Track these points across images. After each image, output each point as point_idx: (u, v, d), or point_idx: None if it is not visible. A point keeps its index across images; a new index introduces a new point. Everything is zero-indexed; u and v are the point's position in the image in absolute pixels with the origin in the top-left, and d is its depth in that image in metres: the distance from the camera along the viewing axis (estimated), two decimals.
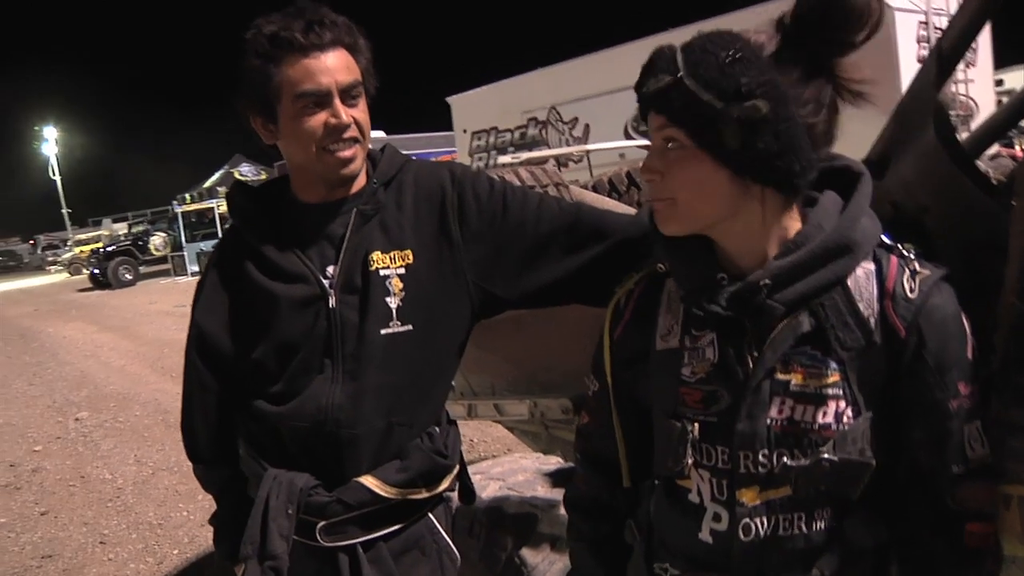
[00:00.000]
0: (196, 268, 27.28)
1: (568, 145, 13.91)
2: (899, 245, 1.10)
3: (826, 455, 1.04)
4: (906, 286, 1.05)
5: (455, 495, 1.73)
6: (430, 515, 1.63)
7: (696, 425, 1.12)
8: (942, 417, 1.05)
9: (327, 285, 1.50)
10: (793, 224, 1.09)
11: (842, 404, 1.06)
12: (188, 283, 25.16)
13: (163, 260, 28.72)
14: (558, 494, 2.11)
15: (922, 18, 9.40)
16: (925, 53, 9.02)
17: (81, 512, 5.56)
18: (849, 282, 1.07)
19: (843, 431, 1.05)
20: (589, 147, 11.76)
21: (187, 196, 30.43)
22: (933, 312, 1.04)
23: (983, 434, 1.05)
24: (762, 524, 1.09)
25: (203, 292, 1.64)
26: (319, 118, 1.44)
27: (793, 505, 1.09)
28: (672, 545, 1.22)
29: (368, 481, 1.51)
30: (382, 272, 1.50)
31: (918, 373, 1.05)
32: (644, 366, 1.23)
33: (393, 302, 1.50)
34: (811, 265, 1.05)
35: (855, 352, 1.06)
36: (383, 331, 1.49)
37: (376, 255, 1.50)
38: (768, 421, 1.08)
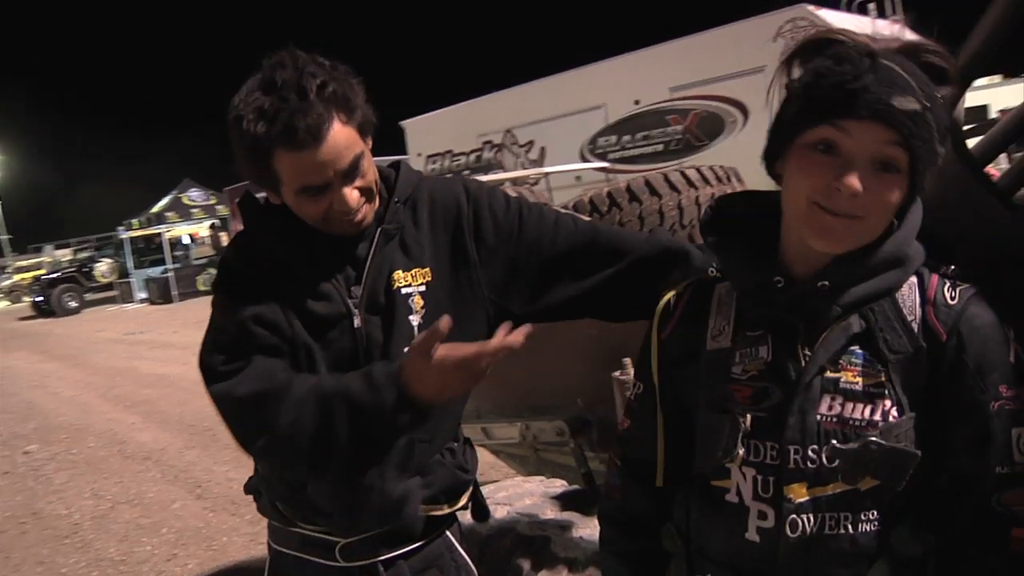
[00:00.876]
0: (144, 295, 26.75)
1: (524, 168, 14.00)
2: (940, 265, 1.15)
3: (874, 439, 1.07)
4: (947, 295, 1.10)
5: (466, 514, 1.72)
6: (448, 533, 1.63)
7: (749, 417, 1.14)
8: (984, 419, 1.07)
9: (352, 305, 1.48)
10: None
11: (888, 403, 1.08)
12: (136, 310, 24.63)
13: (109, 287, 28.07)
14: (568, 516, 2.09)
15: None
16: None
17: (35, 551, 5.34)
18: (896, 293, 1.12)
19: (889, 425, 1.08)
20: (546, 170, 11.85)
21: (134, 221, 29.83)
22: (973, 318, 1.08)
23: None
24: (809, 522, 1.10)
25: (230, 298, 1.51)
26: (322, 204, 1.40)
27: (840, 504, 1.10)
28: (713, 551, 1.21)
29: None
30: (404, 291, 1.49)
31: (959, 375, 1.08)
32: (693, 367, 1.24)
33: (415, 320, 1.49)
34: (868, 273, 1.10)
35: (901, 356, 1.09)
36: (406, 349, 1.46)
37: (398, 273, 1.50)
38: (818, 417, 1.10)
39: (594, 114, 13.35)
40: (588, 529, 2.02)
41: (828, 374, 1.10)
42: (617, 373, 2.24)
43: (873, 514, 1.10)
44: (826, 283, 1.09)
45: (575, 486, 2.38)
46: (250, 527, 5.07)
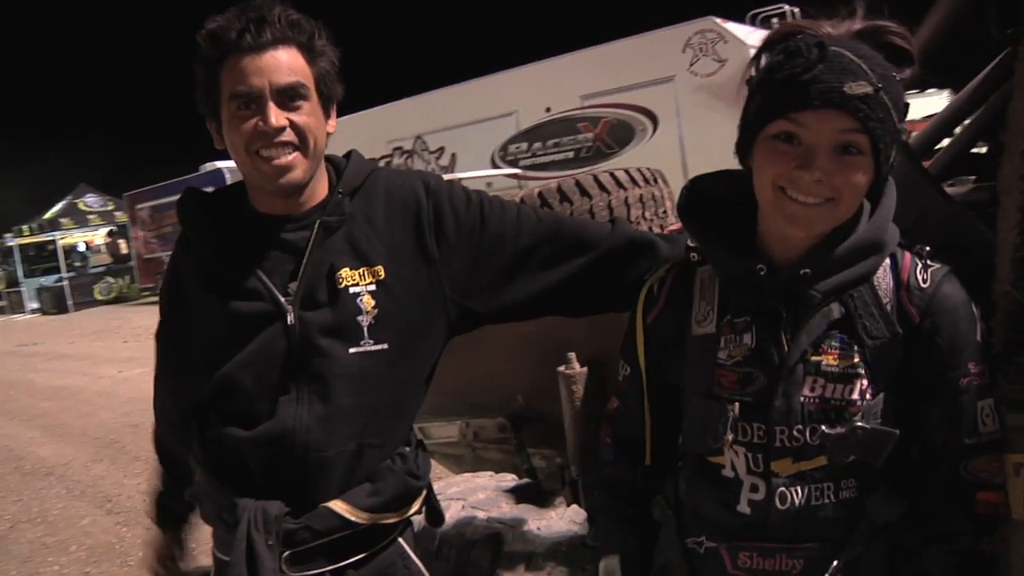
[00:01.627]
0: (36, 305, 25.48)
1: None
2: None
3: (859, 423, 1.14)
4: (919, 277, 1.17)
5: (420, 518, 1.66)
6: (400, 540, 1.56)
7: (736, 406, 1.19)
8: (955, 394, 1.15)
9: (283, 302, 1.42)
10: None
11: (864, 383, 1.15)
12: (27, 321, 23.42)
13: None
14: (523, 511, 2.10)
15: None
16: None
17: None
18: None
19: (867, 405, 1.15)
20: (457, 176, 11.86)
21: (24, 228, 28.33)
22: (945, 299, 1.15)
23: (995, 410, 1.16)
24: (797, 493, 1.18)
25: (164, 310, 1.58)
26: (250, 123, 1.35)
27: (823, 475, 1.17)
28: (708, 518, 1.27)
29: (337, 506, 1.43)
30: (352, 290, 1.43)
31: (932, 355, 1.15)
32: (678, 350, 1.30)
33: (365, 320, 1.43)
34: (847, 260, 1.15)
35: (878, 342, 1.16)
36: (352, 350, 1.42)
37: (345, 272, 1.43)
38: (802, 399, 1.16)
39: (505, 121, 13.43)
40: (544, 521, 2.03)
41: (811, 358, 1.16)
42: (562, 368, 2.27)
43: (852, 483, 1.18)
44: (808, 271, 1.14)
45: (526, 480, 2.39)
46: None
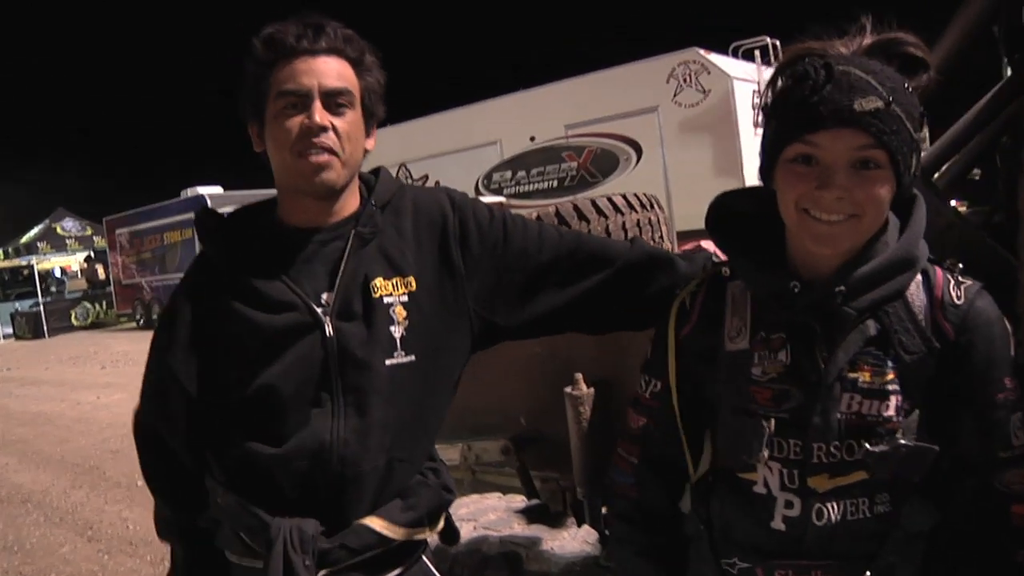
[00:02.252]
0: (9, 330, 25.12)
1: None
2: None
3: (902, 440, 1.14)
4: (952, 293, 1.18)
5: (434, 537, 1.62)
6: (423, 558, 1.55)
7: (772, 422, 1.19)
8: (990, 409, 1.16)
9: (320, 312, 1.41)
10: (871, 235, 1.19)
11: (900, 399, 1.16)
12: (1, 346, 23.06)
13: None
14: (536, 531, 2.09)
15: (756, 88, 10.25)
16: (760, 119, 9.86)
17: None
18: (905, 292, 1.19)
19: (905, 422, 1.16)
20: None
21: None
22: (979, 315, 1.17)
23: None
24: (834, 509, 1.18)
25: (169, 332, 1.51)
26: (295, 120, 1.37)
27: (859, 491, 1.18)
28: (740, 537, 1.26)
29: (374, 522, 1.41)
30: (386, 300, 1.43)
31: (967, 371, 1.16)
32: (711, 365, 1.29)
33: (397, 331, 1.43)
34: (881, 277, 1.15)
35: (915, 356, 1.16)
36: (388, 362, 1.42)
37: (379, 281, 1.44)
38: (839, 415, 1.17)
39: (489, 149, 13.54)
40: (557, 542, 2.02)
41: (847, 374, 1.17)
42: (569, 388, 2.27)
43: (886, 496, 1.19)
44: (843, 288, 1.14)
45: (536, 500, 2.37)
46: (151, 568, 4.80)
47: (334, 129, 1.39)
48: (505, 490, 2.71)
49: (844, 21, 1.19)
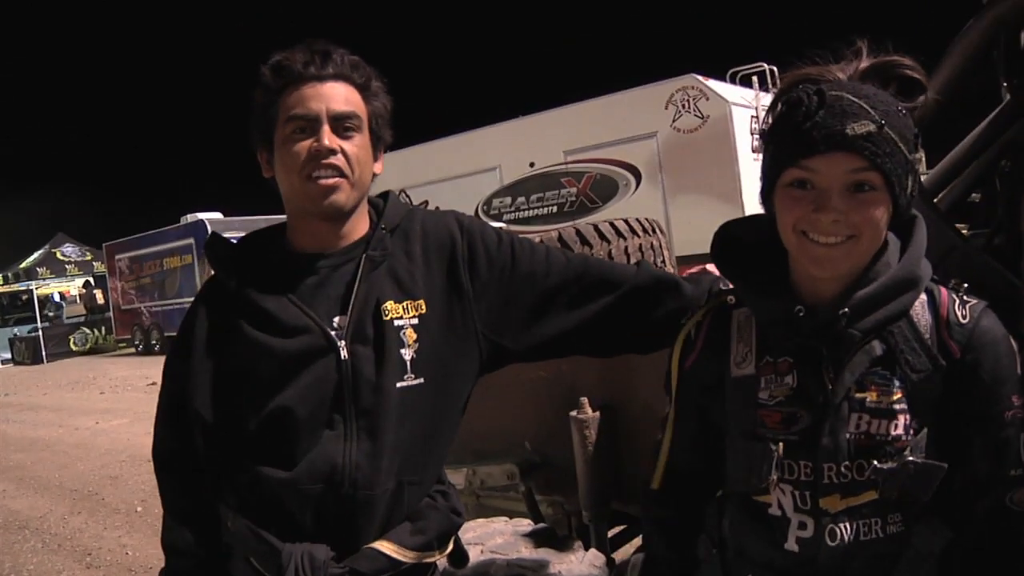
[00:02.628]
0: (8, 355, 25.06)
1: None
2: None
3: (910, 458, 1.16)
4: (958, 313, 1.20)
5: (442, 561, 1.61)
6: None
7: (781, 446, 1.21)
8: (999, 427, 1.17)
9: (335, 336, 1.42)
10: (871, 256, 1.21)
11: (908, 418, 1.18)
12: (0, 371, 22.99)
13: None
14: (543, 554, 2.08)
15: (754, 113, 10.32)
16: (757, 144, 9.93)
17: None
18: (910, 312, 1.21)
19: (914, 440, 1.17)
20: None
21: None
22: (984, 334, 1.18)
23: None
24: (846, 529, 1.19)
25: (182, 357, 1.52)
26: (304, 144, 1.41)
27: (871, 511, 1.19)
28: (754, 557, 1.28)
29: (384, 546, 1.41)
30: (396, 322, 1.44)
31: (975, 389, 1.18)
32: (718, 393, 1.31)
33: (408, 354, 1.44)
34: (884, 297, 1.18)
35: (922, 375, 1.18)
36: (399, 384, 1.42)
37: (389, 304, 1.45)
38: (848, 435, 1.18)
39: (489, 175, 13.57)
40: (565, 566, 2.01)
41: (855, 394, 1.19)
42: (574, 412, 2.28)
43: (898, 516, 1.20)
44: (847, 311, 1.16)
45: (542, 524, 2.37)
46: None
47: (343, 152, 1.41)
48: (510, 515, 2.70)
49: (842, 46, 1.22)
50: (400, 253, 1.51)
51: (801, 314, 1.19)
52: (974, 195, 2.56)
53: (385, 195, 1.60)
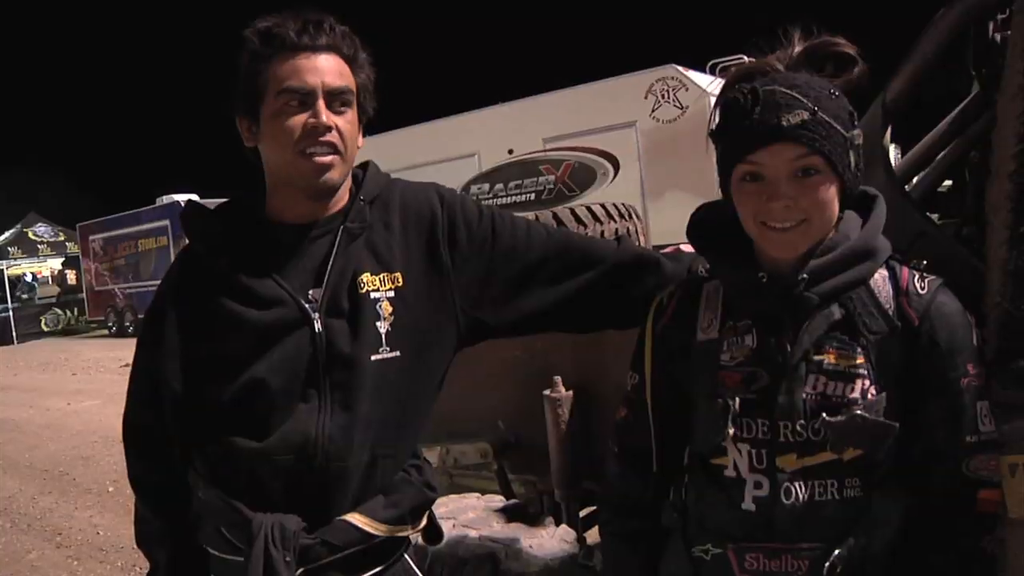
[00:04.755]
0: None
1: None
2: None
3: (859, 411, 1.20)
4: (917, 285, 1.25)
5: (418, 535, 1.62)
6: (405, 555, 1.54)
7: (737, 400, 1.26)
8: (955, 394, 1.22)
9: (309, 309, 1.42)
10: (830, 232, 1.27)
11: (867, 383, 1.22)
12: None
13: None
14: (514, 530, 2.10)
15: None
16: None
17: None
18: (870, 283, 1.26)
19: (868, 402, 1.21)
20: None
21: None
22: (941, 305, 1.24)
23: (991, 412, 1.23)
24: (801, 489, 1.23)
25: (154, 328, 1.51)
26: (299, 118, 1.38)
27: (827, 472, 1.23)
28: (712, 522, 1.31)
29: (356, 519, 1.41)
30: (372, 295, 1.43)
31: (932, 355, 1.22)
32: (685, 359, 1.36)
33: (383, 326, 1.43)
34: (841, 265, 1.24)
35: (879, 337, 1.23)
36: (373, 357, 1.42)
37: (366, 276, 1.44)
38: (804, 395, 1.23)
39: (467, 162, 13.52)
40: (536, 540, 2.04)
41: (812, 357, 1.24)
42: (548, 391, 2.30)
43: (856, 481, 1.23)
44: (805, 276, 1.22)
45: (514, 500, 2.39)
46: (121, 574, 4.75)
47: (337, 128, 1.40)
48: (482, 493, 2.73)
49: (777, 36, 1.29)
50: (379, 225, 1.50)
51: (764, 280, 1.25)
52: (945, 185, 2.60)
53: (364, 165, 1.58)
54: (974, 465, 1.21)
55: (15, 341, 23.26)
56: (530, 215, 3.55)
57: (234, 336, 1.41)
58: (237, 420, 1.41)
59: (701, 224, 1.39)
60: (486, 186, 13.40)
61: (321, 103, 1.38)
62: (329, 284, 1.43)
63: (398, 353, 1.44)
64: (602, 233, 3.47)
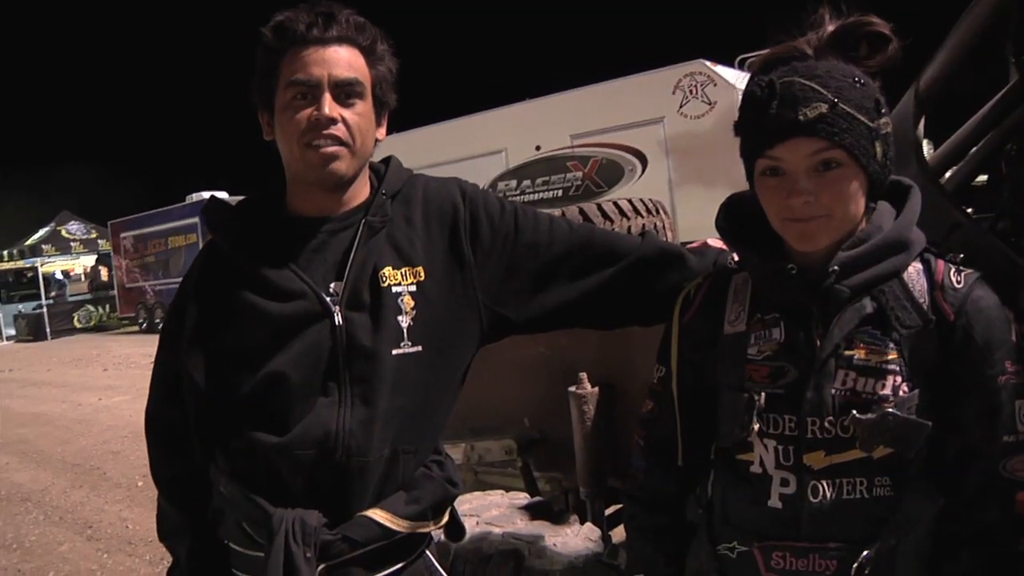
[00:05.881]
0: (12, 332, 25.15)
1: None
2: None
3: (891, 410, 1.16)
4: (952, 278, 1.21)
5: (438, 532, 1.61)
6: (427, 552, 1.53)
7: (763, 395, 1.23)
8: (992, 392, 1.17)
9: (330, 302, 1.41)
10: (860, 224, 1.23)
11: (898, 379, 1.18)
12: (3, 348, 23.08)
13: None
14: (538, 527, 2.09)
15: None
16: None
17: None
18: (904, 276, 1.22)
19: (900, 399, 1.17)
20: None
21: (3, 254, 28.11)
22: (978, 300, 1.19)
23: None
24: (829, 487, 1.20)
25: (177, 322, 1.51)
26: (305, 112, 1.38)
27: (856, 470, 1.19)
28: (738, 519, 1.29)
29: (377, 515, 1.40)
30: (394, 289, 1.43)
31: (968, 352, 1.18)
32: (712, 351, 1.33)
33: (404, 321, 1.42)
34: (874, 257, 1.19)
35: (912, 331, 1.19)
36: (394, 351, 1.41)
37: (388, 271, 1.43)
38: (833, 391, 1.19)
39: (494, 159, 13.52)
40: (560, 538, 2.02)
41: (843, 351, 1.20)
42: (573, 387, 2.28)
43: (886, 480, 1.20)
44: (836, 268, 1.18)
45: (538, 498, 2.38)
46: (149, 568, 4.79)
47: (344, 121, 1.39)
48: (507, 491, 2.71)
49: (804, 18, 1.24)
50: (400, 219, 1.49)
51: (793, 272, 1.21)
52: (980, 179, 2.54)
53: (388, 160, 1.57)
54: (1012, 466, 1.17)
55: (48, 337, 23.66)
56: (556, 211, 3.53)
57: (254, 329, 1.41)
58: (257, 414, 1.40)
59: (731, 214, 1.35)
60: (513, 182, 13.39)
61: (327, 95, 1.38)
62: (350, 277, 1.42)
63: (420, 348, 1.43)
64: (629, 229, 3.43)
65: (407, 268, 1.45)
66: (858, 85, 1.15)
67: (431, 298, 1.46)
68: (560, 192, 12.82)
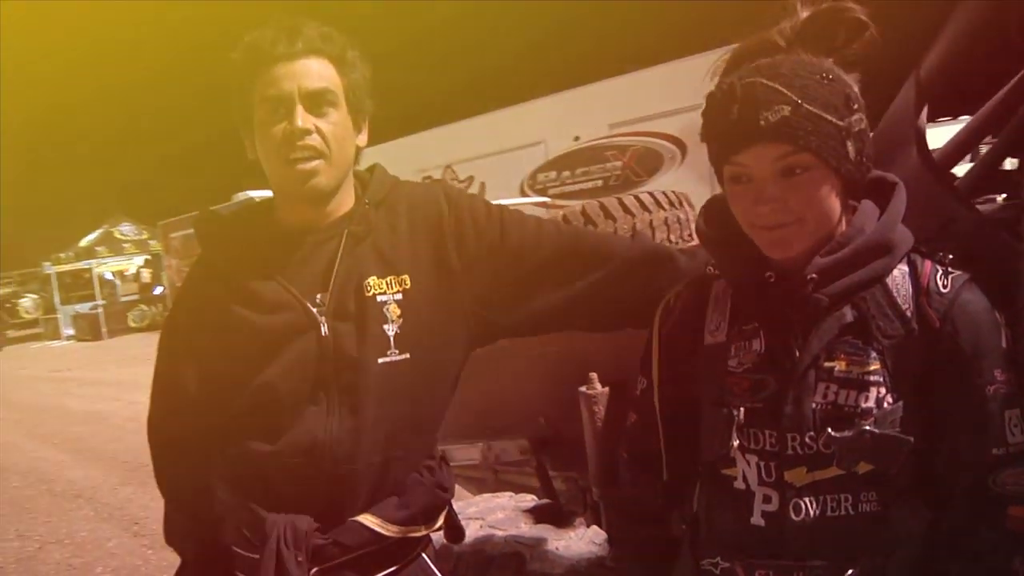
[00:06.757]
0: (71, 331, 25.91)
1: None
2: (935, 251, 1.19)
3: (867, 427, 1.11)
4: (939, 283, 1.14)
5: (439, 535, 1.64)
6: (423, 555, 1.54)
7: (742, 410, 1.18)
8: (980, 401, 1.11)
9: (316, 313, 1.42)
10: (840, 226, 1.17)
11: (882, 391, 1.12)
12: (63, 348, 23.79)
13: (34, 324, 27.07)
14: (542, 531, 2.08)
15: None
16: None
17: None
18: (888, 281, 1.16)
19: (882, 412, 1.12)
20: None
21: (61, 255, 28.92)
22: (965, 305, 1.13)
23: (1022, 421, 1.12)
24: (811, 504, 1.15)
25: (173, 333, 1.55)
26: (279, 126, 1.39)
27: (839, 486, 1.14)
28: (722, 534, 1.25)
29: (368, 520, 1.42)
30: (379, 298, 1.43)
31: (954, 360, 1.12)
32: (693, 362, 1.29)
33: (391, 329, 1.43)
34: (854, 262, 1.14)
35: (895, 341, 1.13)
36: (381, 360, 1.42)
37: (373, 280, 1.44)
38: (813, 405, 1.14)
39: (534, 150, 13.49)
40: (564, 542, 2.01)
41: (823, 363, 1.15)
42: (584, 388, 2.26)
43: (873, 495, 1.14)
44: (814, 276, 1.13)
45: (545, 500, 2.37)
46: None
47: (318, 131, 1.39)
48: (528, 490, 2.71)
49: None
50: (385, 227, 1.50)
51: (772, 279, 1.16)
52: (1007, 164, 2.44)
53: (372, 168, 1.58)
54: (1002, 479, 1.10)
55: (104, 337, 24.30)
56: (577, 205, 3.50)
57: (245, 341, 1.43)
58: (250, 423, 1.43)
59: (712, 218, 1.30)
60: (553, 174, 13.35)
61: (299, 108, 1.38)
62: (335, 288, 1.44)
63: (408, 355, 1.44)
64: (650, 222, 3.39)
65: (392, 276, 1.46)
66: (825, 82, 1.09)
67: (418, 305, 1.46)
68: (600, 182, 12.75)
